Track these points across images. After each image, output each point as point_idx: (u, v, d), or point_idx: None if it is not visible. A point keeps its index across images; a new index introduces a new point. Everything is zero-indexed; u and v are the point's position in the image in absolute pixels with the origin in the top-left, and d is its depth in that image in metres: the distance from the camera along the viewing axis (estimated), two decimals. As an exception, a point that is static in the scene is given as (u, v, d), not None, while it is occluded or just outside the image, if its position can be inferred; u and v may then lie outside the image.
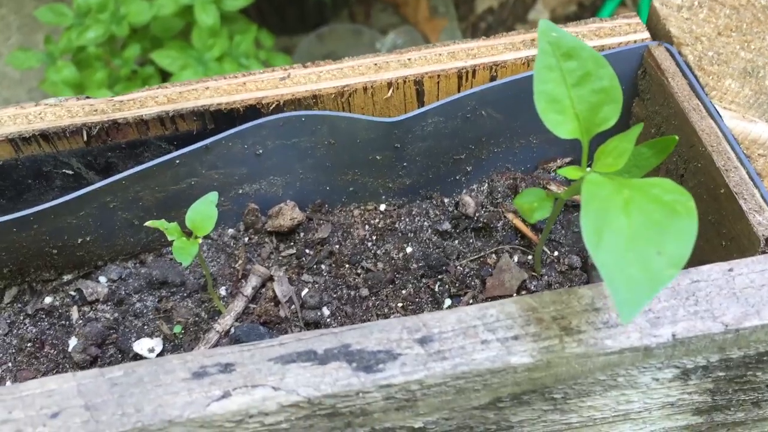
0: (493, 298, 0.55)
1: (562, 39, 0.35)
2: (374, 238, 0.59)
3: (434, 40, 2.27)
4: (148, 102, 0.52)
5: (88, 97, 0.52)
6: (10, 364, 0.56)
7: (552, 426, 0.43)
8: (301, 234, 0.59)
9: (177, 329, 0.55)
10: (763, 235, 0.42)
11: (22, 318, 0.57)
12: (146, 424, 0.36)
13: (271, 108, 0.53)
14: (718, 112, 0.47)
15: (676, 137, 0.38)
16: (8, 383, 0.55)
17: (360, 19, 2.39)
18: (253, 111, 0.53)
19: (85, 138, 0.52)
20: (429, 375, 0.37)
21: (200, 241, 0.45)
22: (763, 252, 0.43)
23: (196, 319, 0.56)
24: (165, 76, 1.68)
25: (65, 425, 0.36)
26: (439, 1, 2.44)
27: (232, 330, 0.55)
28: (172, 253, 0.59)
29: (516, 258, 0.57)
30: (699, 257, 0.45)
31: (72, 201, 0.50)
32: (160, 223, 0.46)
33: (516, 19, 2.46)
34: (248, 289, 0.56)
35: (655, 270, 0.30)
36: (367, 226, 0.60)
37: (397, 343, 0.38)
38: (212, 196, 0.46)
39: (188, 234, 0.46)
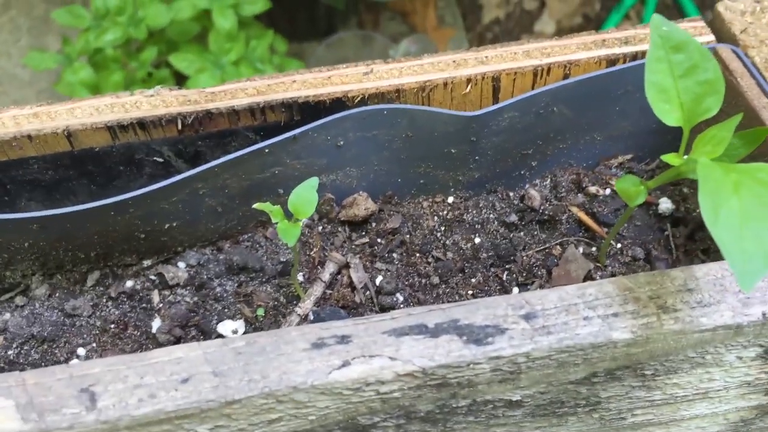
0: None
1: (672, 33, 0.38)
2: (443, 228, 0.62)
3: (442, 50, 2.31)
4: (238, 93, 0.55)
5: (180, 88, 0.55)
6: (94, 344, 0.58)
7: (636, 402, 0.46)
8: (373, 224, 0.62)
9: (260, 312, 0.57)
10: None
11: (105, 300, 0.59)
12: (273, 389, 0.39)
13: (356, 101, 0.55)
14: (786, 110, 0.50)
15: (768, 129, 0.40)
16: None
17: (369, 27, 2.42)
18: (338, 104, 0.55)
19: (179, 127, 0.54)
20: (536, 348, 0.40)
21: (301, 223, 0.48)
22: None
23: (275, 303, 0.58)
24: (180, 79, 1.71)
25: (196, 390, 0.39)
26: (446, 11, 2.48)
27: (310, 314, 0.57)
28: (248, 241, 0.62)
29: (581, 249, 0.59)
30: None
31: (168, 186, 0.52)
32: (266, 206, 0.48)
33: (522, 29, 2.50)
34: (326, 275, 0.58)
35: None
36: (435, 218, 0.62)
37: (503, 318, 0.41)
38: (313, 182, 0.49)
39: (289, 217, 0.49)
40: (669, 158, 0.39)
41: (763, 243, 0.33)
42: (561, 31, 2.43)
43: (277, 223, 0.48)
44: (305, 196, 0.48)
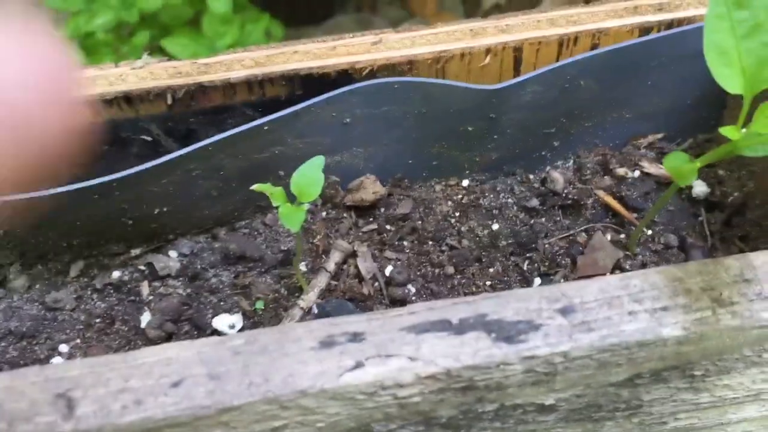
0: (586, 278, 0.53)
1: (736, -13, 0.33)
2: (457, 214, 0.57)
3: (446, 34, 2.26)
4: (234, 65, 0.50)
5: (170, 59, 0.50)
6: (78, 341, 0.53)
7: (681, 406, 0.41)
8: (382, 209, 0.57)
9: (259, 305, 0.52)
10: None
11: (89, 293, 0.54)
12: (277, 394, 0.34)
13: (364, 73, 0.50)
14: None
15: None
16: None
17: (366, 11, 2.37)
18: (345, 76, 0.50)
19: (169, 101, 0.49)
20: (575, 347, 0.35)
21: (305, 207, 0.43)
22: None
23: (276, 295, 0.53)
24: (174, 65, 1.65)
25: (189, 395, 0.34)
26: (446, -4, 2.43)
27: (314, 308, 0.52)
28: (246, 228, 0.57)
29: (609, 236, 0.55)
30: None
31: (158, 167, 0.47)
32: (266, 187, 0.43)
33: (523, 15, 2.45)
34: (331, 265, 0.53)
35: None
36: (449, 202, 0.57)
37: (537, 313, 0.36)
38: (318, 160, 0.43)
39: (292, 199, 0.44)
40: (727, 131, 0.35)
41: None
42: (563, 17, 2.39)
43: (278, 207, 0.43)
44: (310, 177, 0.43)
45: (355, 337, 0.36)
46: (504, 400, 0.37)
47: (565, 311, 0.36)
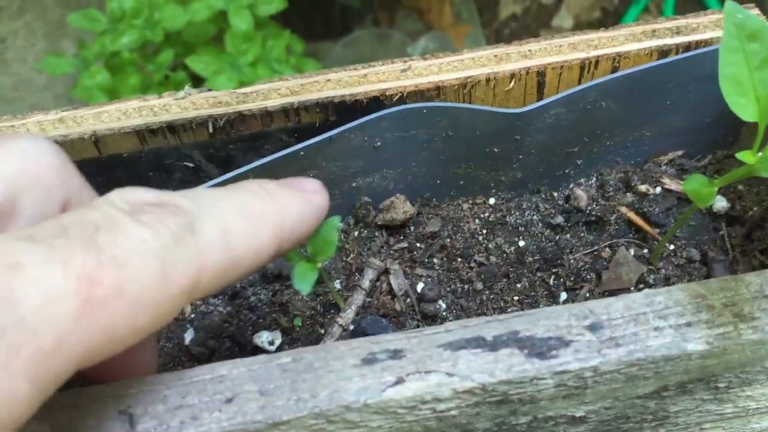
0: (611, 292, 0.55)
1: (747, 20, 0.35)
2: (485, 231, 0.59)
3: (459, 46, 2.28)
4: (271, 94, 0.52)
5: (210, 90, 0.52)
6: (125, 358, 0.55)
7: (706, 416, 0.43)
8: (412, 228, 0.59)
9: (297, 322, 0.54)
10: None
11: (134, 311, 0.57)
12: (323, 409, 0.36)
13: (395, 99, 0.52)
14: None
15: None
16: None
17: (384, 25, 2.40)
18: (376, 102, 0.52)
19: (210, 130, 0.52)
20: (604, 362, 0.37)
21: (318, 267, 0.45)
22: None
23: (312, 312, 0.55)
24: (196, 81, 1.69)
25: (242, 410, 0.36)
26: (462, 7, 2.45)
27: (350, 324, 0.54)
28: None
29: (632, 252, 0.56)
30: None
31: (200, 192, 0.50)
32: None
33: (540, 25, 2.47)
34: (366, 282, 0.55)
35: None
36: (477, 220, 0.59)
37: (567, 329, 0.38)
38: (334, 221, 0.44)
39: (308, 258, 0.45)
40: (743, 156, 0.37)
41: None
42: (579, 26, 2.41)
43: (292, 264, 0.44)
44: (327, 237, 0.45)
45: (395, 354, 0.38)
46: (536, 413, 0.39)
47: (593, 328, 0.38)
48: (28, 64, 2.26)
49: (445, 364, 0.37)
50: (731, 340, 0.37)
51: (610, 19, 2.44)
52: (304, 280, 0.44)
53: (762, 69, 0.36)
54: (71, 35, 2.31)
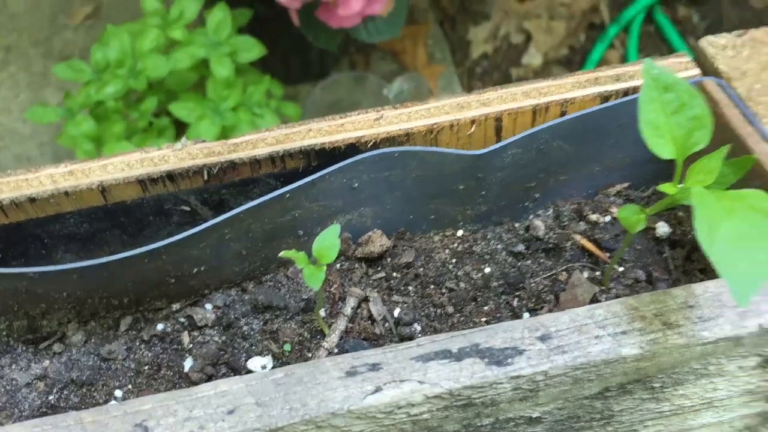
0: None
1: (662, 75, 0.42)
2: (454, 260, 0.65)
3: (433, 86, 2.37)
4: (259, 144, 0.59)
5: (204, 141, 0.58)
6: (130, 386, 0.61)
7: (646, 414, 0.49)
8: (388, 259, 0.65)
9: (286, 347, 0.60)
10: (823, 240, 0.49)
11: (137, 344, 0.63)
12: (312, 416, 0.42)
13: (369, 145, 0.59)
14: (769, 136, 0.54)
15: (754, 157, 0.44)
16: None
17: (361, 68, 2.48)
18: (352, 148, 0.59)
19: (205, 177, 0.58)
20: (552, 367, 0.43)
21: (325, 268, 0.51)
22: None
23: (300, 338, 0.61)
24: (179, 127, 1.74)
25: (242, 420, 0.42)
26: (435, 48, 2.54)
27: (334, 348, 0.60)
28: (271, 281, 0.65)
29: (585, 274, 0.63)
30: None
31: (197, 233, 0.56)
32: (292, 253, 0.52)
33: (510, 63, 2.56)
34: (348, 310, 0.61)
35: (761, 264, 0.36)
36: (447, 250, 0.66)
37: (521, 341, 0.44)
38: (335, 228, 0.52)
39: (314, 262, 0.52)
40: (665, 188, 0.43)
41: (756, 262, 0.36)
42: (548, 63, 2.50)
43: (301, 267, 0.51)
44: (330, 241, 0.51)
45: (374, 366, 0.44)
46: (498, 415, 0.45)
47: (543, 338, 0.44)
48: (12, 114, 2.31)
49: (417, 374, 0.43)
50: (660, 344, 0.43)
51: (577, 55, 2.53)
52: (313, 280, 0.52)
53: (677, 114, 0.43)
54: (54, 85, 2.38)
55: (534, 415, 0.46)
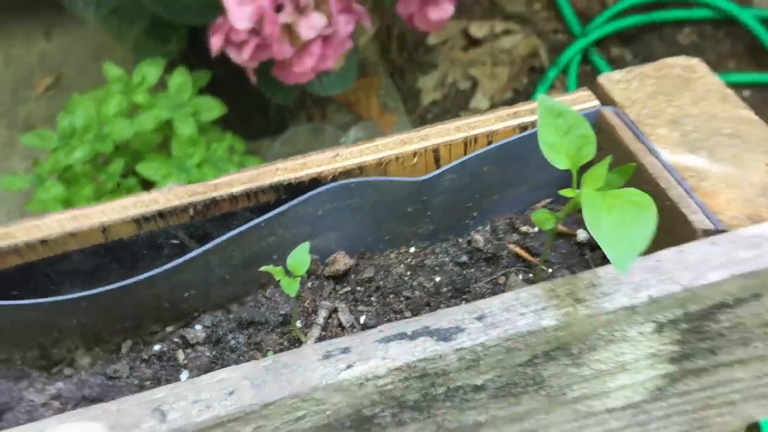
0: (508, 309, 0.72)
1: (554, 105, 0.54)
2: (409, 273, 0.76)
3: (388, 134, 2.50)
4: (235, 183, 0.69)
5: (190, 183, 0.69)
6: (134, 400, 0.70)
7: (572, 378, 0.59)
8: (352, 276, 0.76)
9: (269, 355, 0.70)
10: (699, 228, 0.61)
11: (138, 363, 0.72)
12: (297, 391, 0.52)
13: (329, 179, 0.70)
14: (656, 150, 0.67)
15: (634, 164, 0.56)
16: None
17: (317, 120, 2.60)
18: (315, 182, 0.70)
19: (191, 213, 0.68)
20: (488, 339, 0.54)
21: (299, 279, 0.61)
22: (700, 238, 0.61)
23: (281, 347, 0.71)
24: (146, 186, 1.83)
25: (240, 398, 0.52)
26: (388, 98, 2.68)
27: (310, 353, 0.70)
28: (252, 301, 0.75)
29: (521, 276, 0.74)
30: (659, 247, 0.63)
31: (187, 261, 0.66)
32: (270, 268, 0.62)
33: (459, 108, 2.71)
34: (320, 320, 0.72)
35: (634, 242, 0.48)
36: (402, 265, 0.76)
37: (462, 321, 0.55)
38: (305, 246, 0.62)
39: (289, 275, 0.62)
40: (566, 192, 0.55)
41: (630, 241, 0.48)
42: (494, 106, 2.65)
43: (279, 281, 0.61)
44: (301, 258, 0.62)
45: (345, 350, 0.54)
46: (449, 384, 0.56)
47: (480, 318, 0.55)
48: (-21, 184, 2.38)
49: (380, 352, 0.54)
50: (572, 316, 0.54)
51: (521, 97, 2.70)
52: (289, 288, 0.62)
53: (568, 135, 0.54)
54: (19, 154, 2.46)
55: (478, 383, 0.56)
